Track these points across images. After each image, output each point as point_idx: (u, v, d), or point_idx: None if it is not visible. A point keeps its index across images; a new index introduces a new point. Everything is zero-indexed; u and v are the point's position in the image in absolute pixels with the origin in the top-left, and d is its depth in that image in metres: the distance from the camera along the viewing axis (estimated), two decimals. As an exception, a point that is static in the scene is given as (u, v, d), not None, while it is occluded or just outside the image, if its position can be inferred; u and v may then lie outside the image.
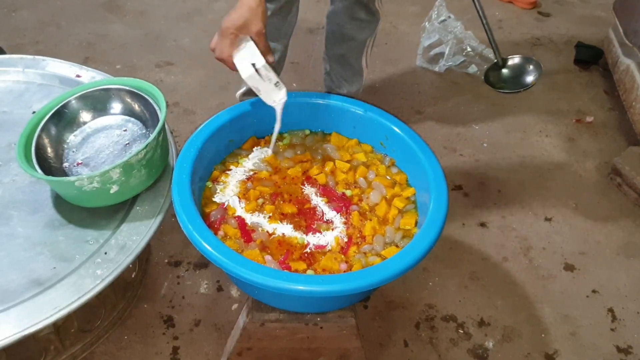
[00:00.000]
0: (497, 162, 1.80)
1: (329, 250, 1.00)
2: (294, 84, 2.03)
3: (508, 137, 1.90)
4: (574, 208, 1.67)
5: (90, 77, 1.39)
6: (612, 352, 1.33)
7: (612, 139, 1.95)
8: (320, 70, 1.74)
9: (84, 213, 1.12)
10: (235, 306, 1.36)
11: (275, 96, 1.08)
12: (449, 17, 2.20)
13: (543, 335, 1.34)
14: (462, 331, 1.34)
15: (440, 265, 1.48)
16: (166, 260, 1.44)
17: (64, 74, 1.41)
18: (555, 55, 2.33)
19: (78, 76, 1.40)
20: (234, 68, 1.06)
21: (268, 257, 0.98)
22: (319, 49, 1.66)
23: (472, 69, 2.18)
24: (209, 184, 1.11)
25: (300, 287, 0.87)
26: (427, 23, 2.25)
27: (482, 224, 1.60)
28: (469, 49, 2.21)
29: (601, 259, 1.53)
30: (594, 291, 1.45)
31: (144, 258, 1.41)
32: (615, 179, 1.75)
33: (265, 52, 1.06)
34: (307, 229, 1.04)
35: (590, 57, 2.29)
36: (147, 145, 1.06)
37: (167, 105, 1.94)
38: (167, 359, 1.24)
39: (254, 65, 1.04)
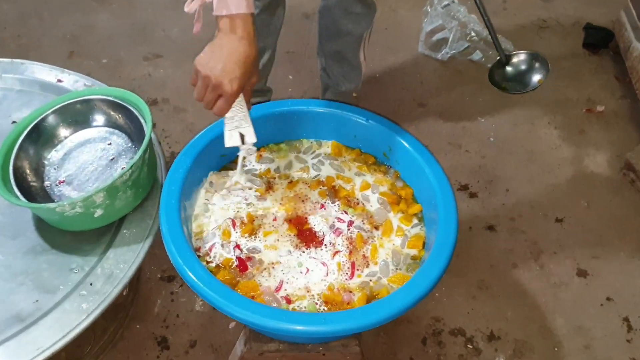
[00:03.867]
0: (505, 158, 1.72)
1: (331, 278, 0.93)
2: (290, 76, 1.94)
3: (515, 130, 1.82)
4: (586, 207, 1.59)
5: (72, 81, 1.31)
6: (627, 366, 1.27)
7: (624, 129, 1.86)
8: (317, 59, 1.65)
9: (67, 237, 1.04)
10: (232, 325, 1.29)
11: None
12: (453, 1, 2.09)
13: (556, 349, 1.28)
14: (471, 346, 1.28)
15: (447, 275, 1.38)
16: (159, 275, 1.37)
17: (45, 79, 1.32)
18: (562, 38, 2.23)
19: (59, 81, 1.31)
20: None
21: (265, 287, 0.91)
22: (316, 36, 1.57)
23: (477, 55, 2.08)
24: (201, 204, 1.03)
25: (300, 328, 0.81)
26: (428, 7, 2.14)
27: (490, 227, 1.53)
28: (473, 34, 2.10)
29: (615, 262, 1.47)
30: (608, 299, 1.39)
31: (135, 274, 1.34)
32: (629, 174, 1.67)
33: (249, 103, 0.94)
34: (308, 253, 0.96)
35: (600, 40, 2.19)
36: (132, 165, 0.98)
37: (156, 102, 1.86)
38: (162, 385, 1.19)
39: (242, 136, 0.94)
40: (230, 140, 0.94)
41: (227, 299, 0.82)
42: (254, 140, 0.94)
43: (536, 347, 1.28)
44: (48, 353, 0.89)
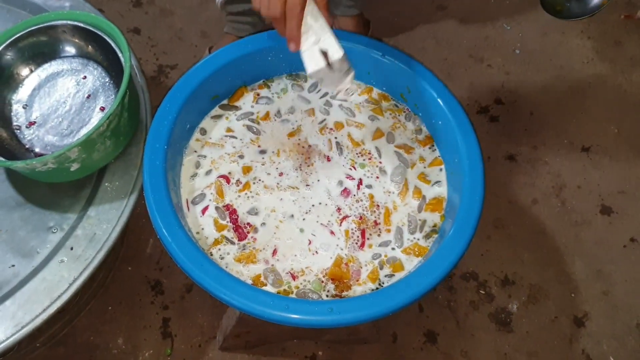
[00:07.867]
0: (531, 75, 1.55)
1: (339, 249, 0.83)
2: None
3: (544, 40, 1.62)
4: (616, 134, 1.45)
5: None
6: (647, 315, 1.21)
7: (665, 40, 1.66)
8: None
9: (44, 188, 0.93)
10: (231, 268, 1.22)
11: (340, 84, 0.80)
12: None
13: (573, 295, 1.22)
14: (483, 292, 1.21)
15: (462, 212, 1.31)
16: (150, 210, 1.27)
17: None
18: None
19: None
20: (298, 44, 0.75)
21: (264, 259, 0.82)
22: None
23: (505, -55, 1.81)
24: (191, 158, 0.90)
25: (303, 318, 0.72)
26: None
27: (511, 157, 1.40)
28: None
29: (643, 199, 1.36)
30: (632, 240, 1.29)
31: (119, 236, 1.24)
32: (666, 96, 1.51)
33: (328, 18, 0.75)
34: (312, 217, 0.86)
35: None
36: (110, 115, 0.84)
37: (140, 3, 1.64)
38: (157, 333, 1.13)
39: (324, 54, 0.73)
40: (312, 63, 0.74)
41: (221, 284, 0.74)
42: (341, 53, 0.73)
43: (552, 293, 1.22)
44: (27, 329, 0.81)
